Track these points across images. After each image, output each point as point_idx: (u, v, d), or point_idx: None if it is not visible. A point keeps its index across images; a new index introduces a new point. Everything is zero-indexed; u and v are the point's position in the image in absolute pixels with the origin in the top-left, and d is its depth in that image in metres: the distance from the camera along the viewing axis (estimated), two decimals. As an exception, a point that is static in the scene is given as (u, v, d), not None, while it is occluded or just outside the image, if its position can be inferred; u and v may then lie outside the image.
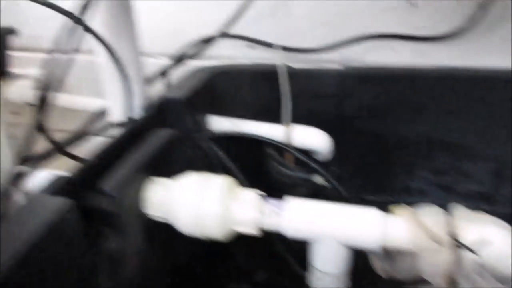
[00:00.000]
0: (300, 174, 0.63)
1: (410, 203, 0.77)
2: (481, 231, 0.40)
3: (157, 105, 0.56)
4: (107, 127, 0.60)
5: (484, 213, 0.44)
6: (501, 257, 0.39)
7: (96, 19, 0.53)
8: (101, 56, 0.60)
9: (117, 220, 0.38)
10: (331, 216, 0.43)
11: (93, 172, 0.41)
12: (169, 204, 0.44)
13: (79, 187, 0.40)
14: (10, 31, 0.61)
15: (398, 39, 0.81)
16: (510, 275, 0.38)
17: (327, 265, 0.45)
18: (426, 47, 0.81)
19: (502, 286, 0.38)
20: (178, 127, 0.59)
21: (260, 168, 0.69)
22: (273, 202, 0.45)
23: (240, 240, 0.46)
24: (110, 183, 0.40)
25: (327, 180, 0.60)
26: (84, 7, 0.49)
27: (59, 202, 0.35)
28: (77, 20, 0.48)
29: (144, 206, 0.45)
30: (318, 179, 0.62)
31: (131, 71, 0.63)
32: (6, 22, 0.64)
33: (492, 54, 0.80)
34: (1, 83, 0.59)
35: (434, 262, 0.41)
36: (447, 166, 0.75)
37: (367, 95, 0.72)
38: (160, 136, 0.51)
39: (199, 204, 0.43)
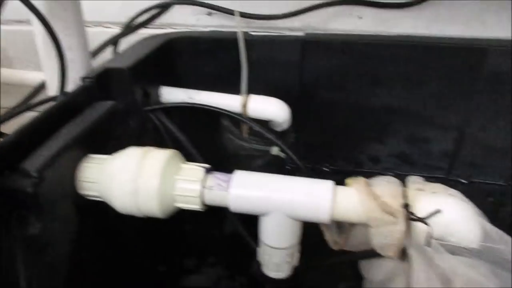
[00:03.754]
0: (256, 146, 0.60)
1: (368, 173, 0.77)
2: (433, 202, 0.39)
3: (96, 76, 0.51)
4: (45, 102, 0.55)
5: (439, 184, 0.42)
6: (450, 226, 0.37)
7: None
8: (35, 24, 0.55)
9: (38, 202, 0.35)
10: (280, 188, 0.41)
11: (15, 151, 0.37)
12: (104, 181, 0.41)
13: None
14: None
15: (362, 6, 0.78)
16: (459, 244, 0.37)
17: (276, 239, 0.43)
18: (390, 14, 0.78)
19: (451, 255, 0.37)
20: (123, 99, 0.55)
21: (216, 140, 0.66)
22: (218, 175, 0.42)
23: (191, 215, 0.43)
24: (33, 161, 0.36)
25: (283, 151, 0.58)
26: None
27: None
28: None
29: (77, 185, 0.42)
30: (275, 150, 0.59)
31: (72, 41, 0.58)
32: None
33: (454, 23, 0.78)
34: None
35: (386, 233, 0.39)
36: (405, 136, 0.74)
37: (327, 63, 0.69)
38: (98, 109, 0.47)
39: (136, 179, 0.40)
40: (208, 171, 0.42)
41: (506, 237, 0.39)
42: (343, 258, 0.48)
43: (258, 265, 0.47)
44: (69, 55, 0.57)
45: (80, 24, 0.60)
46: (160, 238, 0.59)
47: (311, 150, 0.78)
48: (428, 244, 0.37)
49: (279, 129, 0.65)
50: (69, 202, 0.41)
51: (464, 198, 0.40)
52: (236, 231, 0.53)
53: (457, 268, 0.37)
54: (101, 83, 0.53)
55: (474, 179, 0.76)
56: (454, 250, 0.38)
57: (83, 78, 0.52)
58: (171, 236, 0.62)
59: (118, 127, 0.51)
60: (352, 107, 0.72)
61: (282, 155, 0.59)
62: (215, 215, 0.46)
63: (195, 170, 0.42)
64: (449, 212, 0.38)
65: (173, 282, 0.56)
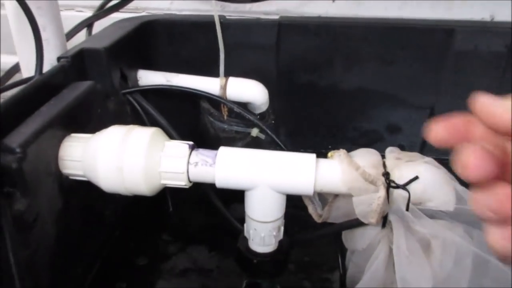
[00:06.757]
0: (236, 128, 0.61)
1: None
2: (411, 169, 0.40)
3: (72, 56, 0.50)
4: (20, 84, 0.54)
5: (415, 152, 0.44)
6: (427, 191, 0.39)
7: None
8: (7, 4, 0.53)
9: (23, 178, 0.34)
10: (264, 163, 0.42)
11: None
12: (88, 160, 0.40)
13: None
14: None
15: (334, -12, 0.79)
16: (437, 208, 0.39)
17: (261, 213, 0.44)
18: (362, -4, 0.80)
19: (429, 219, 0.39)
20: (101, 80, 0.54)
21: (195, 123, 0.66)
22: (203, 152, 0.42)
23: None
24: (15, 138, 0.35)
25: (263, 132, 0.58)
26: None
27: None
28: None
29: (60, 164, 0.41)
30: (255, 132, 0.60)
31: (46, 20, 0.57)
32: None
33: (424, 5, 0.80)
34: None
35: (368, 201, 0.41)
36: (379, 116, 0.76)
37: (302, 46, 0.70)
38: (76, 89, 0.47)
39: (121, 157, 0.39)
40: (192, 147, 0.43)
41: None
42: (327, 231, 0.49)
43: (244, 240, 0.48)
44: (43, 35, 0.55)
45: (53, 3, 0.58)
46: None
47: (288, 132, 0.79)
48: (408, 209, 0.39)
49: (258, 111, 0.65)
50: (52, 180, 0.40)
51: (438, 164, 0.42)
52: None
53: (435, 231, 0.39)
54: (77, 63, 0.52)
55: (443, 157, 0.79)
56: (432, 214, 0.40)
57: (59, 58, 0.51)
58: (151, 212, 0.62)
59: (98, 108, 0.50)
60: (327, 89, 0.73)
61: (262, 136, 0.59)
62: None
63: (180, 147, 0.42)
64: (426, 178, 0.40)
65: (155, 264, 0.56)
